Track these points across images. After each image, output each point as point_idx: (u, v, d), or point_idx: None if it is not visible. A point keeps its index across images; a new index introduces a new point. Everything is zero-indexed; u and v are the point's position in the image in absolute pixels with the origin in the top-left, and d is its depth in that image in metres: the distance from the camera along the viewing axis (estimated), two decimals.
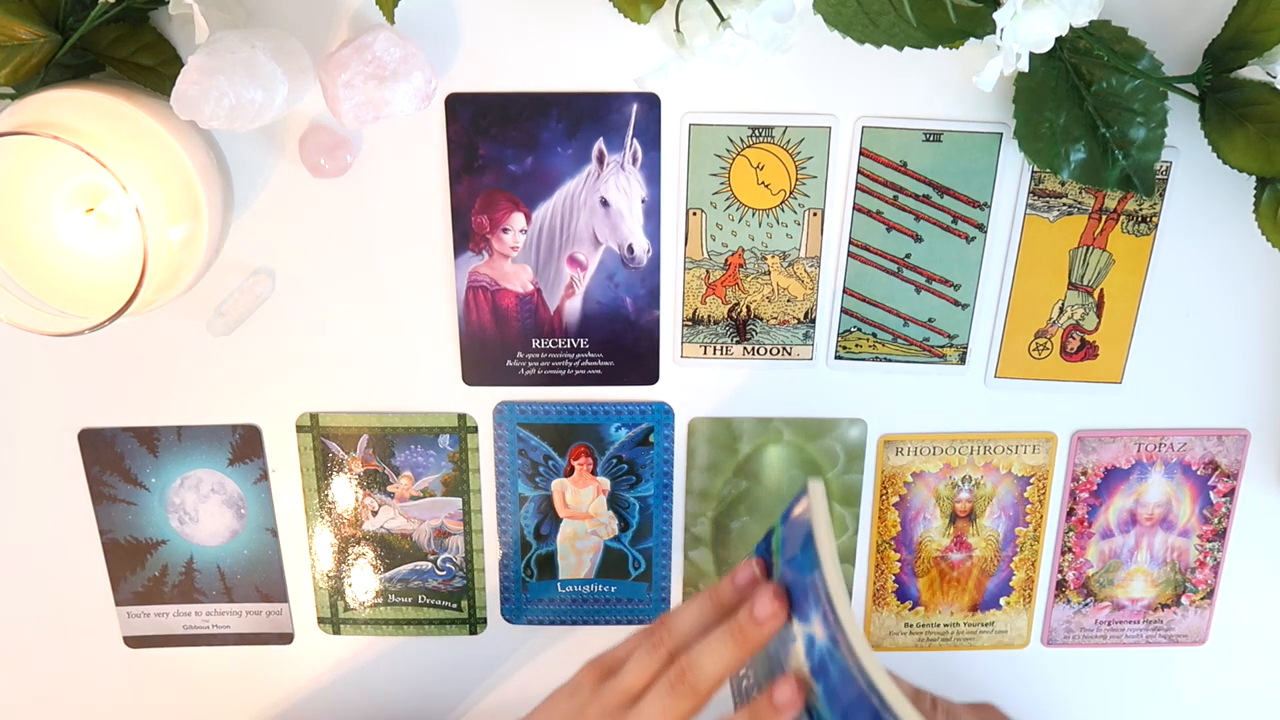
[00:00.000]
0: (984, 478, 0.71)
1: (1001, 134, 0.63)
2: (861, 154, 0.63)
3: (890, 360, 0.68)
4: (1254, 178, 0.61)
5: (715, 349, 0.68)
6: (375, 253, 0.65)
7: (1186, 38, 0.61)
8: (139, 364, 0.67)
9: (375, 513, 0.71)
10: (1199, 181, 0.64)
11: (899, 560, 0.73)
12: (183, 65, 0.53)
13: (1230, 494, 0.72)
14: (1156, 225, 0.65)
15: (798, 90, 0.62)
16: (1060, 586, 0.74)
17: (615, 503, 0.71)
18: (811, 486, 0.50)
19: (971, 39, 0.56)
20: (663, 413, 0.69)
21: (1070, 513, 0.72)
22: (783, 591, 0.51)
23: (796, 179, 0.64)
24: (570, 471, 0.70)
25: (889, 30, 0.56)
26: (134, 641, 0.74)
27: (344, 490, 0.71)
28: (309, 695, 0.76)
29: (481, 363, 0.68)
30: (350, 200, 0.64)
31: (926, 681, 0.67)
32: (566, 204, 0.64)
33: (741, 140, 0.63)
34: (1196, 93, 0.60)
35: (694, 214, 0.65)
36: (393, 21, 0.56)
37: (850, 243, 0.65)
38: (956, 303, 0.67)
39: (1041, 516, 0.72)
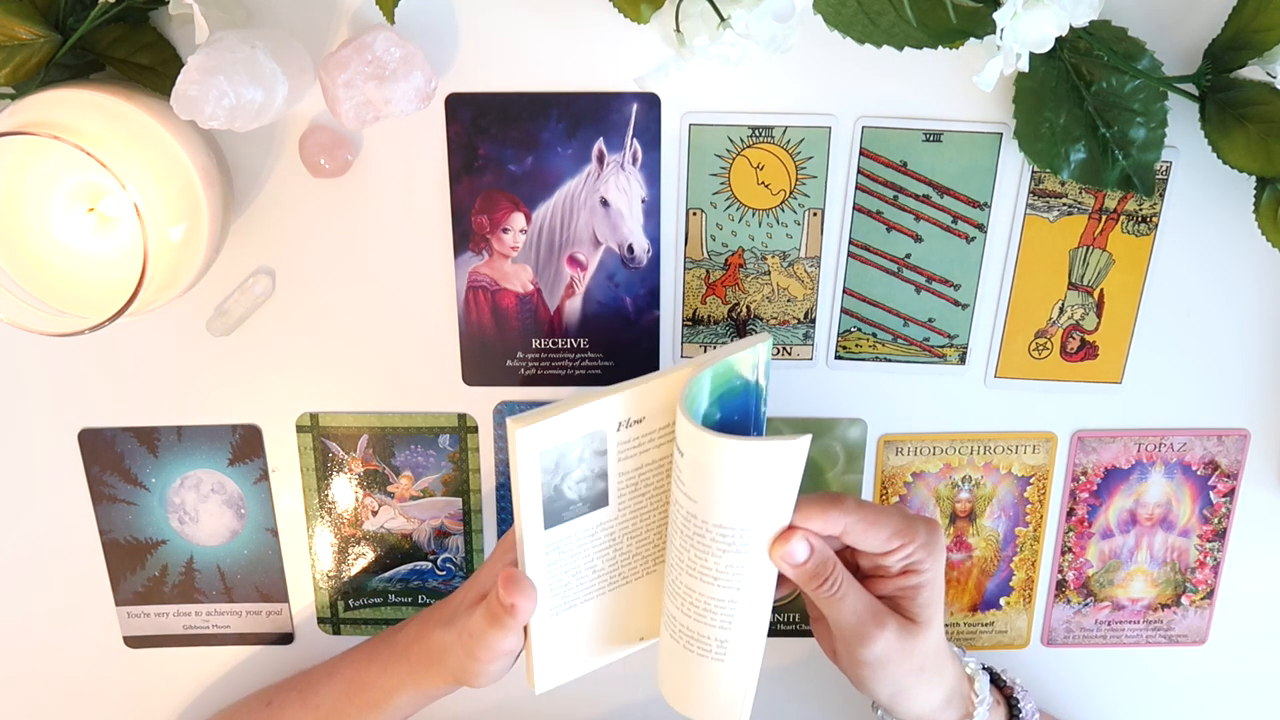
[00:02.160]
0: (984, 478, 0.71)
1: (1001, 134, 0.63)
2: (861, 154, 0.63)
3: (890, 360, 0.68)
4: (1254, 178, 0.61)
5: (715, 349, 0.68)
6: (375, 252, 0.65)
7: (1186, 38, 0.61)
8: (139, 364, 0.67)
9: (375, 513, 0.71)
10: (1199, 181, 0.64)
11: None
12: (183, 65, 0.53)
13: (1230, 494, 0.72)
14: (1156, 225, 0.65)
15: (798, 90, 0.62)
16: (1060, 586, 0.74)
17: None
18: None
19: (971, 39, 0.56)
20: None
21: (1070, 513, 0.72)
22: (520, 579, 0.56)
23: (796, 179, 0.64)
24: None
25: (889, 30, 0.56)
26: (134, 641, 0.74)
27: (344, 490, 0.71)
28: None
29: (481, 363, 0.68)
30: (350, 200, 0.64)
31: None
32: (566, 204, 0.64)
33: (741, 140, 0.63)
34: (1196, 93, 0.60)
35: (694, 214, 0.65)
36: (393, 21, 0.56)
37: (850, 243, 0.65)
38: (956, 303, 0.67)
39: (1041, 516, 0.72)
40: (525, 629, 0.59)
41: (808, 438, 0.51)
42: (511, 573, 0.56)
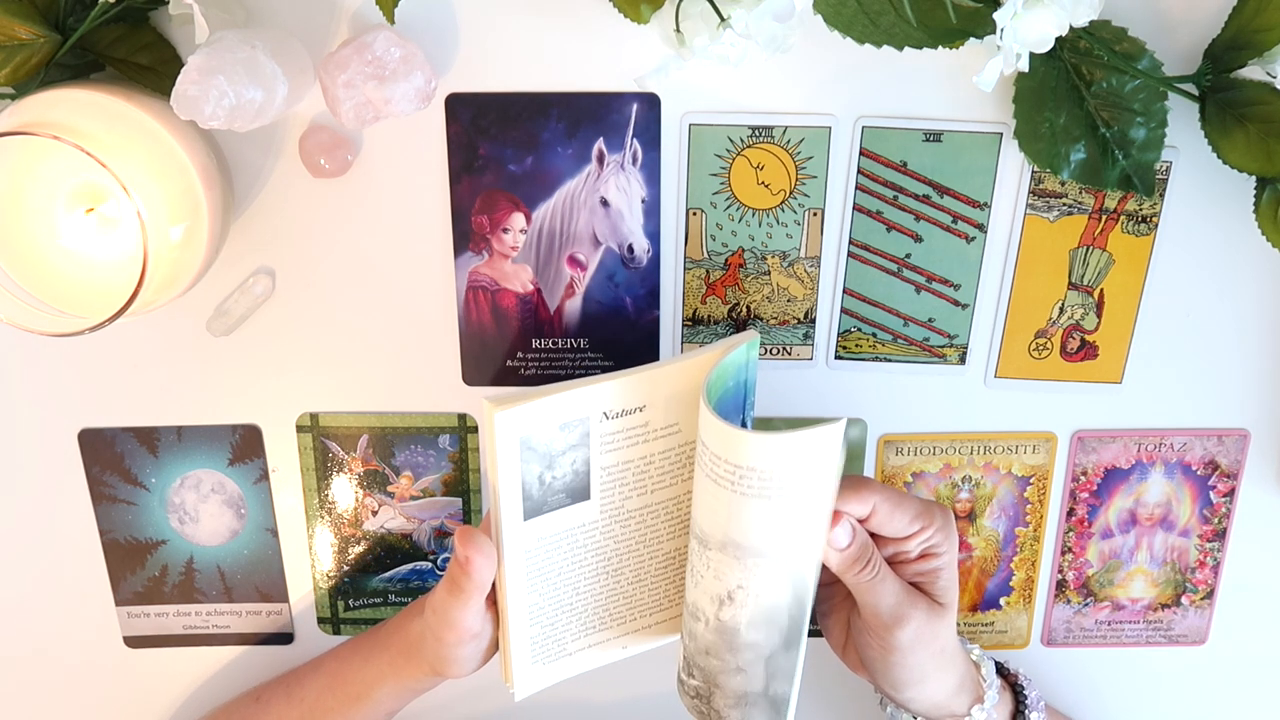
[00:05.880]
0: (984, 478, 0.71)
1: (1001, 134, 0.63)
2: (861, 154, 0.63)
3: (890, 360, 0.68)
4: (1254, 178, 0.61)
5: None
6: (375, 253, 0.65)
7: (1186, 38, 0.61)
8: (139, 364, 0.67)
9: (375, 513, 0.71)
10: (1199, 181, 0.64)
11: None
12: (183, 65, 0.53)
13: (1230, 494, 0.72)
14: (1156, 225, 0.65)
15: (798, 90, 0.62)
16: (1060, 586, 0.74)
17: None
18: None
19: (971, 39, 0.56)
20: None
21: (1070, 513, 0.72)
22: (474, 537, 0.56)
23: (796, 179, 0.64)
24: None
25: (889, 30, 0.56)
26: (134, 641, 0.74)
27: (344, 490, 0.71)
28: None
29: (481, 363, 0.68)
30: (350, 200, 0.64)
31: None
32: (566, 204, 0.64)
33: (741, 140, 0.63)
34: (1196, 93, 0.60)
35: (694, 214, 0.65)
36: (393, 21, 0.56)
37: (850, 243, 0.65)
38: (956, 303, 0.67)
39: (1041, 516, 0.72)
40: (500, 622, 0.58)
41: (843, 420, 0.52)
42: (467, 529, 0.56)
